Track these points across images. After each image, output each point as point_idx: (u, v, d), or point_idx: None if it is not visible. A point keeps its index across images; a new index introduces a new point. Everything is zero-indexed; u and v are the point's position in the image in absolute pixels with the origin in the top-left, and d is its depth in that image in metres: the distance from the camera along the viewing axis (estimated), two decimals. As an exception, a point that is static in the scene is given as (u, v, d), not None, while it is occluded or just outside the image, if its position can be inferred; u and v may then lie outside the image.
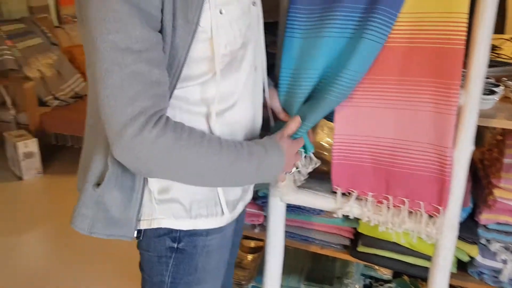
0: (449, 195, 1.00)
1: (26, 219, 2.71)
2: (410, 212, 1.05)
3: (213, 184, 0.87)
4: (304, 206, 1.37)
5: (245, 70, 0.89)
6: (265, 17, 1.01)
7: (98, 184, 0.86)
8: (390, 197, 1.06)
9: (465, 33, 0.93)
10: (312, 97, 1.03)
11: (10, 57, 3.30)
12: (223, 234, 0.95)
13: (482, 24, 0.92)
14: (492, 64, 1.42)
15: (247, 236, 1.72)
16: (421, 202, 1.03)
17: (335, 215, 1.12)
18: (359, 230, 1.36)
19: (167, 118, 0.77)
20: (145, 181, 0.86)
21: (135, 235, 0.89)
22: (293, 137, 1.01)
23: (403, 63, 0.99)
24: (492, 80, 1.25)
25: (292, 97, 1.03)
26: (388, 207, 1.07)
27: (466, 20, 0.92)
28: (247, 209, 1.46)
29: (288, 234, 1.47)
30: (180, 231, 0.89)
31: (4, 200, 2.96)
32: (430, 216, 1.04)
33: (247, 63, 0.89)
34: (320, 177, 1.21)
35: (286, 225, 1.26)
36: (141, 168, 0.77)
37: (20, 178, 3.20)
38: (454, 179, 0.99)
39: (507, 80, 1.25)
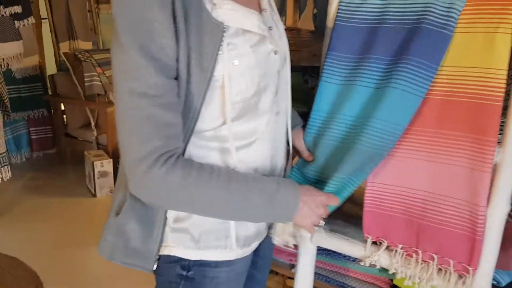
0: (481, 255, 0.95)
1: (96, 233, 2.88)
2: (440, 269, 1.01)
3: (223, 217, 0.90)
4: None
5: (263, 116, 0.92)
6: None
7: (118, 213, 0.93)
8: (420, 251, 1.03)
9: (503, 90, 0.90)
10: (343, 147, 1.04)
11: (98, 83, 3.61)
12: (233, 268, 0.97)
13: (523, 81, 0.90)
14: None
15: (289, 276, 1.71)
16: (450, 260, 0.99)
17: (361, 263, 1.10)
18: (395, 283, 1.32)
19: (178, 156, 0.82)
20: (165, 215, 0.91)
21: (154, 267, 0.94)
22: (326, 190, 1.01)
23: (439, 115, 0.97)
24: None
25: (321, 139, 1.05)
26: (417, 261, 1.04)
27: (505, 77, 0.90)
28: (285, 247, 1.46)
29: (325, 279, 1.45)
30: (190, 260, 0.93)
31: (77, 214, 3.18)
32: (460, 276, 0.99)
33: (264, 109, 0.92)
34: (358, 222, 1.20)
35: (323, 269, 1.25)
36: (154, 202, 0.84)
37: (94, 195, 3.43)
38: (487, 239, 0.95)
39: None
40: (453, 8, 0.94)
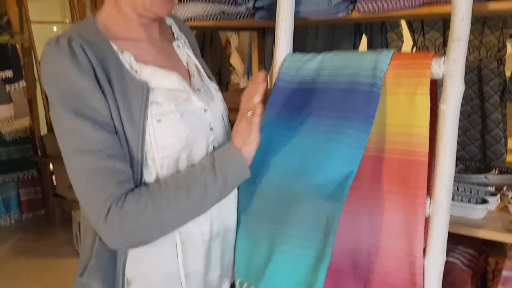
0: (422, 306, 0.98)
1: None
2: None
3: (197, 214, 0.93)
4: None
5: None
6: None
7: (81, 274, 0.96)
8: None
9: (427, 146, 0.96)
10: (283, 198, 1.07)
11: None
12: None
13: (444, 136, 0.96)
14: (503, 170, 1.40)
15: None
16: (396, 312, 1.01)
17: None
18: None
19: (129, 192, 0.87)
20: (124, 277, 0.94)
21: None
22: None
23: (373, 170, 1.03)
24: (490, 189, 1.24)
25: (256, 187, 1.08)
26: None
27: (427, 134, 0.96)
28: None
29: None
30: None
31: (65, 275, 3.15)
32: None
33: (196, 160, 0.96)
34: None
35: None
36: (131, 240, 0.87)
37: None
38: (426, 290, 0.98)
39: (506, 190, 1.22)
40: (378, 69, 1.02)
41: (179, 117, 0.93)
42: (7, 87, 3.65)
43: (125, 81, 0.89)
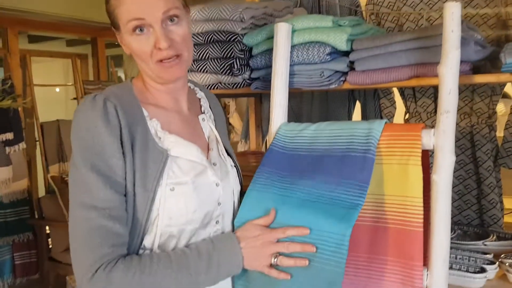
0: None
1: None
2: None
3: None
4: None
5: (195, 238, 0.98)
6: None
7: None
8: None
9: (421, 216, 0.97)
10: None
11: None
12: None
13: (438, 207, 0.97)
14: (501, 236, 1.39)
15: None
16: None
17: None
18: None
19: (121, 257, 0.88)
20: None
21: None
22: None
23: (370, 241, 1.03)
24: (488, 257, 1.23)
25: None
26: None
27: (421, 204, 0.97)
28: None
29: None
30: None
31: None
32: None
33: (200, 237, 0.98)
34: None
35: None
36: None
37: (74, 321, 3.32)
38: None
39: (504, 257, 1.21)
40: (371, 136, 1.04)
41: (192, 190, 0.96)
42: (7, 149, 3.68)
43: (147, 146, 0.94)
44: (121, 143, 0.91)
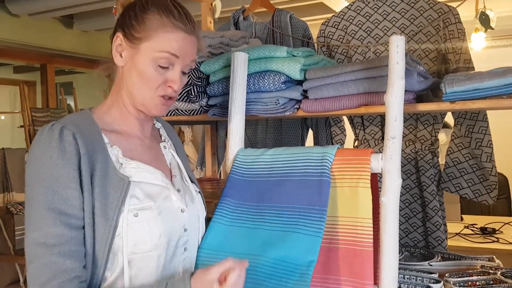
0: None
1: None
2: None
3: None
4: None
5: (163, 266, 0.97)
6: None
7: None
8: None
9: (371, 236, 1.02)
10: None
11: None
12: None
13: (386, 228, 1.02)
14: (445, 257, 1.47)
15: None
16: None
17: None
18: None
19: None
20: None
21: None
22: None
23: (324, 262, 1.07)
24: (434, 276, 1.29)
25: None
26: None
27: (371, 225, 1.02)
28: None
29: None
30: None
31: None
32: None
33: (165, 263, 0.97)
34: None
35: None
36: None
37: None
38: None
39: (449, 277, 1.28)
40: (325, 160, 1.10)
41: (157, 214, 0.96)
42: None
43: (107, 174, 0.93)
44: (80, 172, 0.90)
